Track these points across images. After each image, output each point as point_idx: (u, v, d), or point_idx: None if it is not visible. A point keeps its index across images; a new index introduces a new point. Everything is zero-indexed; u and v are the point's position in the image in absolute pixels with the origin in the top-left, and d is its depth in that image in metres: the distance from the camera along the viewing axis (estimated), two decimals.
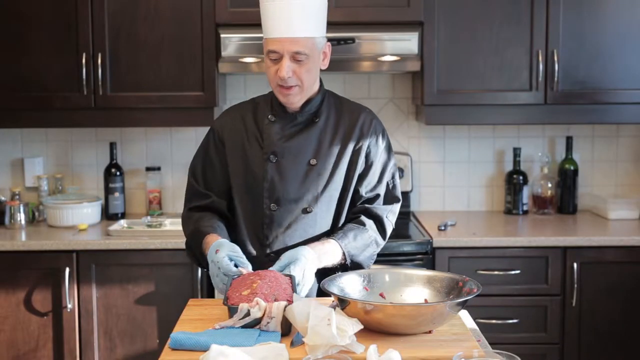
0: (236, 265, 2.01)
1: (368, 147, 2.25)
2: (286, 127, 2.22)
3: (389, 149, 2.31)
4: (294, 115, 2.22)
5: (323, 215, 2.21)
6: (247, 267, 2.00)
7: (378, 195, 2.27)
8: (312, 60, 2.14)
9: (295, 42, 2.09)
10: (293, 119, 2.23)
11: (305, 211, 2.20)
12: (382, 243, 2.28)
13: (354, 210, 2.26)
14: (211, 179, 2.29)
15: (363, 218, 2.24)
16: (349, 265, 2.17)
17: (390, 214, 2.29)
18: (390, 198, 2.30)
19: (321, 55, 2.19)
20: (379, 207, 2.26)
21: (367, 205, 2.26)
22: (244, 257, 2.04)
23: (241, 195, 2.25)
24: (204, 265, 2.23)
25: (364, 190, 2.25)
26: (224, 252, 2.01)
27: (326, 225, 2.22)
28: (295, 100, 2.18)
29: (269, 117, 2.23)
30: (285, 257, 2.03)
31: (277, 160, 2.20)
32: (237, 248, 2.06)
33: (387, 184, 2.29)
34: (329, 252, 2.12)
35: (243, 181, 2.24)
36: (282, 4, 2.09)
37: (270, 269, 1.99)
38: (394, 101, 3.85)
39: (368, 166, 2.25)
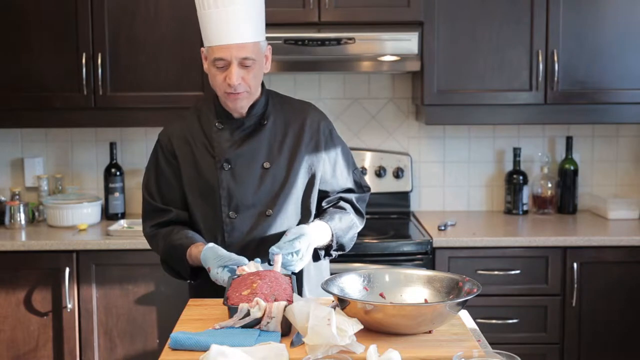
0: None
1: (325, 147, 2.28)
2: (235, 133, 2.22)
3: (342, 144, 2.35)
4: (240, 120, 2.22)
5: (283, 217, 2.21)
6: (241, 263, 1.99)
7: (349, 189, 2.35)
8: (259, 65, 2.15)
9: (243, 48, 2.09)
10: (240, 125, 2.22)
11: (265, 215, 2.19)
12: (360, 226, 2.36)
13: (328, 200, 2.31)
14: (167, 193, 2.26)
15: (342, 203, 2.32)
16: (333, 247, 2.23)
17: (361, 202, 2.36)
18: (359, 188, 2.37)
19: (264, 58, 2.19)
20: (352, 196, 2.34)
21: (341, 194, 2.33)
22: (232, 256, 2.01)
23: (198, 205, 2.24)
24: (187, 277, 2.22)
25: (337, 189, 2.32)
26: (215, 267, 2.01)
27: (288, 227, 2.21)
28: (243, 105, 2.18)
29: (217, 125, 2.22)
30: (291, 233, 2.07)
31: (231, 168, 2.20)
32: (221, 251, 2.04)
33: (355, 175, 2.36)
34: (323, 233, 2.19)
35: (198, 191, 2.23)
36: (227, 10, 2.07)
37: (278, 243, 2.03)
38: (394, 101, 3.85)
39: (332, 166, 2.29)
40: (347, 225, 2.26)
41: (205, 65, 2.19)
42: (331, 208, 2.30)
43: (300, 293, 2.24)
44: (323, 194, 2.30)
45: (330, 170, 2.29)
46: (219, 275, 2.00)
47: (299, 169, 2.22)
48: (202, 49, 2.20)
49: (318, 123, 2.28)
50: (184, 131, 2.26)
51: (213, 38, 2.11)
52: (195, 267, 2.17)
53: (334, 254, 2.29)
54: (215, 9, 2.08)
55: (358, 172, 2.38)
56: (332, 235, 2.21)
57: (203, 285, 2.18)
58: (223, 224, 2.20)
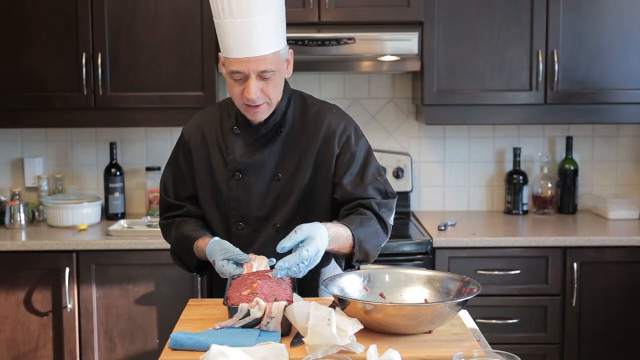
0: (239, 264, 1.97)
1: (340, 154, 2.12)
2: (250, 140, 2.13)
3: (366, 147, 2.18)
4: (257, 127, 2.12)
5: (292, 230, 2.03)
6: (246, 261, 1.95)
7: (367, 196, 2.11)
8: (279, 74, 2.04)
9: (262, 61, 1.97)
10: (257, 132, 2.12)
11: (274, 228, 2.12)
12: (385, 237, 2.13)
13: (347, 207, 2.11)
14: (182, 190, 2.22)
15: (361, 209, 2.09)
16: (355, 252, 2.02)
17: (384, 209, 2.11)
18: (383, 195, 2.14)
19: (285, 64, 2.07)
20: (372, 201, 2.10)
21: (359, 201, 2.10)
22: (237, 251, 1.96)
23: (209, 209, 2.19)
24: (193, 270, 2.20)
25: (348, 197, 2.11)
26: (219, 259, 1.95)
27: None
28: (263, 117, 2.09)
29: (234, 129, 2.15)
30: (301, 233, 1.85)
31: (242, 178, 2.13)
32: (227, 245, 1.98)
33: (376, 180, 2.14)
34: (341, 237, 1.98)
35: (210, 195, 2.18)
36: (244, 22, 1.94)
37: (282, 242, 1.83)
38: (394, 101, 3.85)
39: (344, 172, 2.11)
40: (370, 230, 2.05)
41: (223, 71, 2.07)
42: (350, 216, 2.08)
43: (316, 293, 2.18)
44: (337, 202, 2.12)
45: (342, 176, 2.11)
46: (224, 267, 1.94)
47: (309, 180, 2.12)
48: (219, 54, 2.09)
49: (335, 128, 2.13)
50: (203, 130, 2.20)
51: (230, 50, 1.98)
52: (203, 261, 2.14)
53: (357, 265, 2.08)
54: (232, 19, 1.95)
55: (382, 179, 2.15)
56: (354, 239, 2.00)
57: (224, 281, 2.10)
58: (231, 235, 2.15)
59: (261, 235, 2.13)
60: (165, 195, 2.26)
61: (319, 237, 1.88)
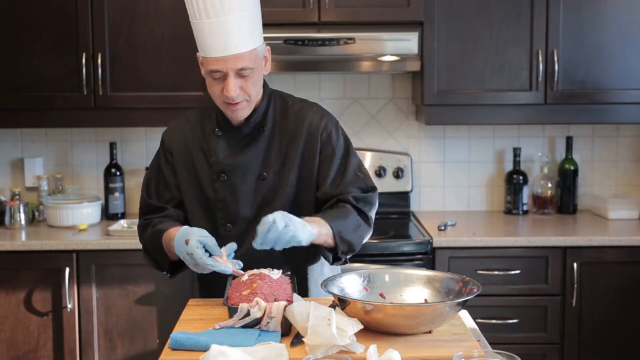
0: (209, 253, 1.93)
1: (321, 151, 2.15)
2: (232, 141, 2.15)
3: (346, 144, 2.19)
4: (239, 128, 2.15)
5: None
6: (218, 254, 1.93)
7: (346, 192, 2.13)
8: (257, 71, 2.07)
9: (240, 59, 2.00)
10: (239, 132, 2.15)
11: None
12: (367, 228, 2.14)
13: (326, 205, 2.14)
14: (165, 193, 2.21)
15: (340, 204, 2.12)
16: (338, 243, 2.03)
17: (362, 203, 2.13)
18: (363, 190, 2.16)
19: (263, 61, 2.11)
20: (349, 196, 2.12)
21: (338, 197, 2.13)
22: (213, 240, 1.95)
23: (195, 212, 2.19)
24: (164, 267, 2.15)
25: (330, 191, 2.13)
26: (194, 240, 1.91)
27: None
28: (244, 114, 2.11)
29: (216, 131, 2.17)
30: (261, 225, 1.90)
31: (227, 179, 2.14)
32: (205, 232, 1.97)
33: (357, 176, 2.16)
34: (315, 221, 2.00)
35: (195, 198, 2.18)
36: (219, 21, 1.98)
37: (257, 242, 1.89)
38: (394, 101, 3.85)
39: (326, 170, 2.14)
40: (349, 222, 2.06)
41: (203, 71, 2.11)
42: (327, 210, 2.11)
43: (306, 294, 2.19)
44: (319, 201, 2.15)
45: (323, 174, 2.14)
46: (197, 251, 1.89)
47: (295, 178, 2.14)
48: (197, 54, 2.12)
49: (317, 125, 2.16)
50: (185, 134, 2.21)
51: (207, 49, 2.02)
52: (175, 261, 2.10)
53: (343, 257, 2.09)
54: (207, 19, 1.99)
55: (362, 174, 2.18)
56: (331, 228, 2.00)
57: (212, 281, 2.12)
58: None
59: (250, 235, 2.09)
60: (147, 198, 2.23)
61: (273, 215, 1.89)
